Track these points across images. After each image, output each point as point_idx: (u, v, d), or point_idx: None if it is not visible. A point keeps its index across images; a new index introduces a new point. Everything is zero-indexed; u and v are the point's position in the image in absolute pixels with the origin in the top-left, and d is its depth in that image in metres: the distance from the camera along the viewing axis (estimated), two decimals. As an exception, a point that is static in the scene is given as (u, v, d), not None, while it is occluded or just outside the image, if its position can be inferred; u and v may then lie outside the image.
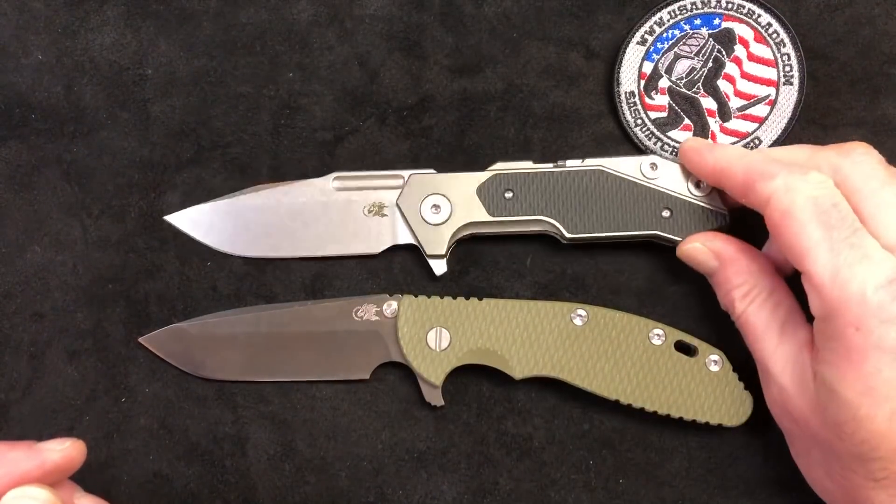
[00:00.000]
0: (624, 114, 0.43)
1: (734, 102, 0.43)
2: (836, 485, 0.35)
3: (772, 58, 0.43)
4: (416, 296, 0.41)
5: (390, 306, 0.41)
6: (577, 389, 0.40)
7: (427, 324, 0.40)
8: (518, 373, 0.40)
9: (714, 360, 0.40)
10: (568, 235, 0.41)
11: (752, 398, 0.40)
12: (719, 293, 0.40)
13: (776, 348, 0.37)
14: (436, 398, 0.41)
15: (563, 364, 0.40)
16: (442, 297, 0.41)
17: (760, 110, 0.43)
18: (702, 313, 0.42)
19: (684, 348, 0.41)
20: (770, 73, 0.43)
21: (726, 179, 0.38)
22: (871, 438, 0.32)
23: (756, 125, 0.42)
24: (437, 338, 0.40)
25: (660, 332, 0.40)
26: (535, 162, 0.42)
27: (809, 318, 0.36)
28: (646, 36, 0.44)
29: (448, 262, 0.42)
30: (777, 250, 0.39)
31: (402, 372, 0.43)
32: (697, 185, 0.41)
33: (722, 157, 0.39)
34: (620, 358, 0.40)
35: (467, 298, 0.41)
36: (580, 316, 0.40)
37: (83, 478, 0.42)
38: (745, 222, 0.41)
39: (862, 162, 0.36)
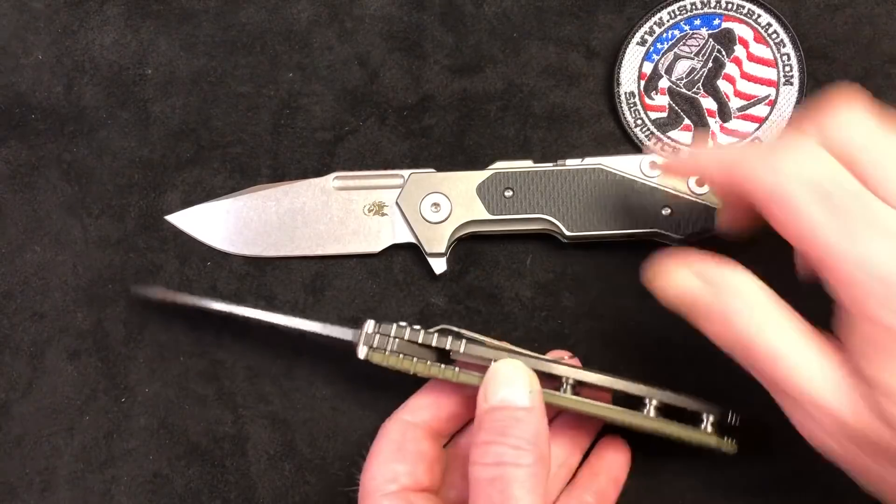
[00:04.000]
0: (624, 114, 0.43)
1: (734, 103, 0.43)
2: None
3: (772, 58, 0.43)
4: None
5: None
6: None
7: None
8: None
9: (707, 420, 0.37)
10: (568, 234, 0.41)
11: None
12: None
13: (797, 367, 0.31)
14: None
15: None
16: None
17: (760, 110, 0.43)
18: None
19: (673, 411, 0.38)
20: (770, 73, 0.43)
21: (710, 184, 0.37)
22: None
23: (756, 125, 0.42)
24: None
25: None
26: (535, 161, 0.42)
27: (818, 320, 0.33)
28: (646, 36, 0.44)
29: (448, 262, 0.42)
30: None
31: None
32: (699, 182, 0.41)
33: (698, 162, 0.36)
34: None
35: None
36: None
37: (83, 477, 0.43)
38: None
39: (851, 121, 0.32)
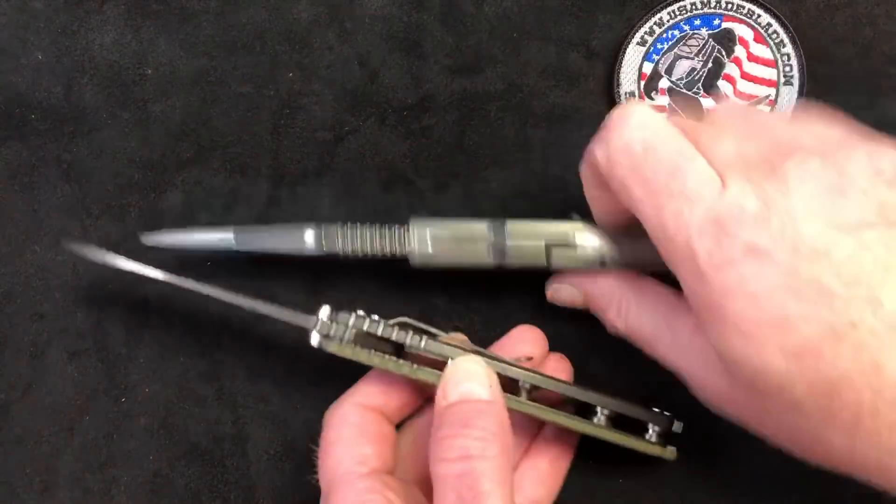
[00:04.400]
0: (624, 114, 0.43)
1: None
2: (816, 450, 0.30)
3: (772, 58, 0.43)
4: None
5: None
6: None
7: None
8: None
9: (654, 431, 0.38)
10: None
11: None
12: (604, 323, 0.38)
13: (672, 344, 0.34)
14: None
15: None
16: None
17: (760, 110, 0.43)
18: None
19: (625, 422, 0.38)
20: (770, 73, 0.43)
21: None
22: (785, 385, 0.28)
23: (756, 125, 0.43)
24: None
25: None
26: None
27: None
28: (646, 36, 0.44)
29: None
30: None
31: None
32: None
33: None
34: None
35: None
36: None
37: (83, 477, 0.43)
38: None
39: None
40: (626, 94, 0.44)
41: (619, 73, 0.44)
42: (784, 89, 0.43)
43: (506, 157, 0.44)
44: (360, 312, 0.37)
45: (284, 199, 0.44)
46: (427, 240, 0.38)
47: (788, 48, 0.43)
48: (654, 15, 0.44)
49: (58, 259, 0.44)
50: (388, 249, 0.39)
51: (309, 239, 0.39)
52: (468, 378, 0.34)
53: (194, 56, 0.46)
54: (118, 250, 0.44)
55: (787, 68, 0.43)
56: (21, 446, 0.43)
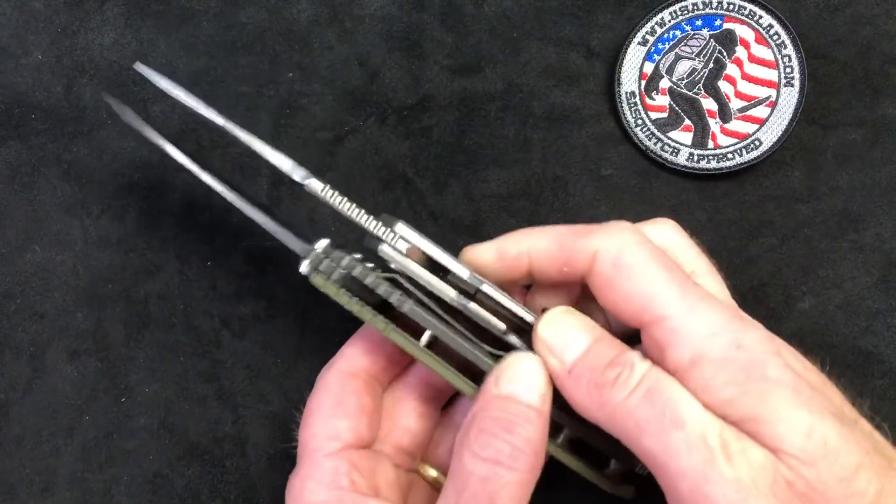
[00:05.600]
0: (625, 114, 0.43)
1: (735, 104, 0.43)
2: None
3: (773, 59, 0.43)
4: None
5: None
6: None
7: None
8: None
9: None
10: None
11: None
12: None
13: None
14: None
15: None
16: None
17: (761, 111, 0.43)
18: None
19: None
20: (771, 74, 0.43)
21: (537, 260, 0.35)
22: None
23: (756, 126, 0.42)
24: None
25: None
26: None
27: None
28: (647, 36, 0.44)
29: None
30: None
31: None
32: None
33: (519, 243, 0.35)
34: None
35: None
36: None
37: (83, 477, 0.43)
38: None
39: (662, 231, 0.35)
40: (626, 93, 0.44)
41: (619, 72, 0.44)
42: (785, 91, 0.43)
43: (506, 157, 0.44)
44: (357, 256, 0.35)
45: (284, 199, 0.44)
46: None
47: (789, 49, 0.43)
48: (655, 15, 0.44)
49: (58, 259, 0.44)
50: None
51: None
52: (526, 378, 0.33)
53: (194, 56, 0.46)
54: (118, 250, 0.44)
55: (788, 69, 0.43)
56: (21, 446, 0.43)
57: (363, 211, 0.35)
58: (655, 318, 0.31)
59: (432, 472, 0.37)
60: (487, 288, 0.34)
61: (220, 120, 0.36)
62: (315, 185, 0.35)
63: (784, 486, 0.28)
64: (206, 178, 0.37)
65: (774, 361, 0.30)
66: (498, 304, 0.35)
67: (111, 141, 0.45)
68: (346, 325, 0.43)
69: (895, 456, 0.30)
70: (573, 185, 0.44)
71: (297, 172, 0.35)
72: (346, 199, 0.35)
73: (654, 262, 0.32)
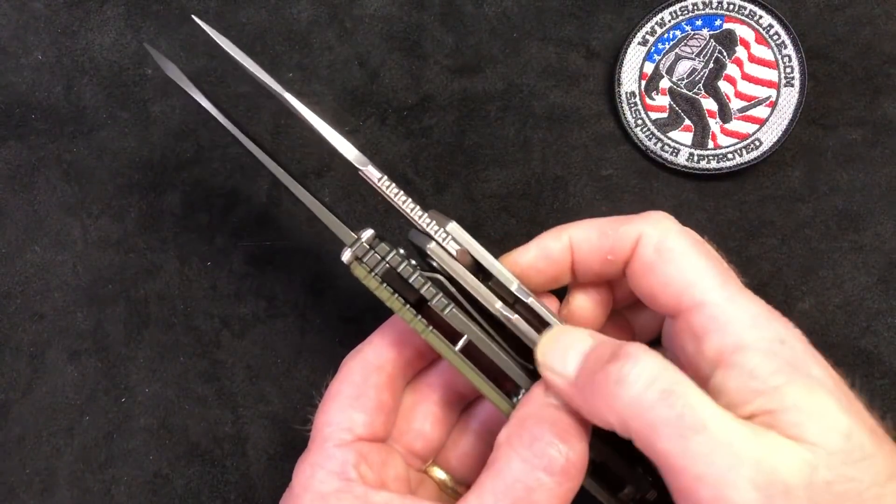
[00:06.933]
0: (625, 114, 0.43)
1: (735, 104, 0.43)
2: None
3: (773, 59, 0.43)
4: None
5: None
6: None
7: None
8: None
9: None
10: None
11: None
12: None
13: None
14: None
15: None
16: None
17: (761, 112, 0.43)
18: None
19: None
20: (771, 74, 0.43)
21: (579, 250, 0.35)
22: None
23: (756, 126, 0.42)
24: None
25: None
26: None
27: None
28: (647, 36, 0.44)
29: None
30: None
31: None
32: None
33: (560, 236, 0.35)
34: None
35: None
36: None
37: (83, 477, 0.43)
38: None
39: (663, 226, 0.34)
40: (626, 93, 0.44)
41: (619, 72, 0.44)
42: (785, 91, 0.43)
43: (506, 157, 0.44)
44: (402, 251, 0.34)
45: (284, 199, 0.44)
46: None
47: (789, 49, 0.43)
48: (655, 15, 0.44)
49: (58, 259, 0.44)
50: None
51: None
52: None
53: (194, 56, 0.46)
54: (118, 250, 0.44)
55: (788, 69, 0.43)
56: (21, 446, 0.43)
57: (418, 206, 0.34)
58: (696, 304, 0.31)
59: (441, 475, 0.37)
60: (533, 302, 0.34)
61: (278, 89, 0.35)
62: (372, 172, 0.34)
63: (822, 486, 0.27)
64: (256, 151, 0.36)
65: (817, 362, 0.30)
66: (540, 319, 0.34)
67: (111, 141, 0.45)
68: (346, 326, 0.43)
69: None
70: (573, 185, 0.44)
71: (357, 158, 0.34)
72: (402, 191, 0.34)
73: (696, 250, 0.32)
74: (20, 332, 0.44)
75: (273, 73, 0.45)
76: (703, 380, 0.31)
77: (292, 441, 0.43)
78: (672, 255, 0.32)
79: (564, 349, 0.32)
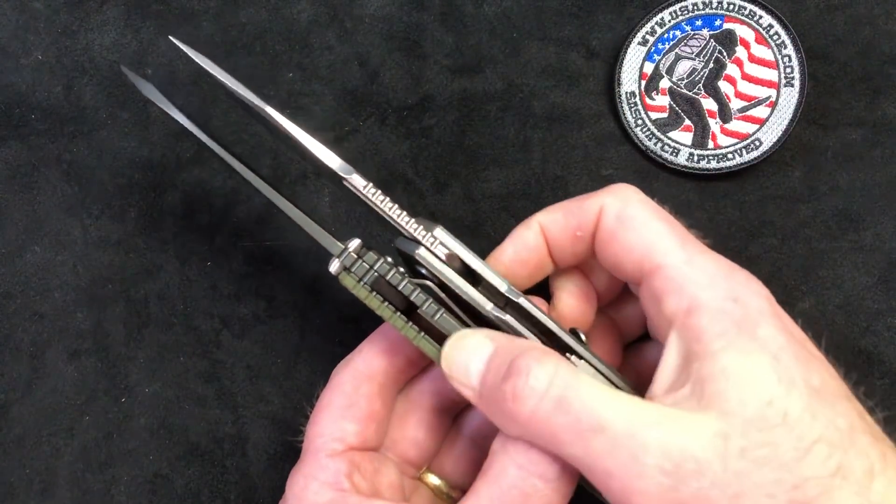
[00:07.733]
0: (625, 114, 0.43)
1: (735, 104, 0.43)
2: None
3: (773, 59, 0.43)
4: None
5: None
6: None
7: None
8: None
9: None
10: None
11: None
12: None
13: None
14: None
15: None
16: None
17: (761, 112, 0.43)
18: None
19: None
20: (771, 74, 0.43)
21: (550, 232, 0.36)
22: None
23: (756, 126, 0.42)
24: None
25: None
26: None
27: None
28: (647, 36, 0.44)
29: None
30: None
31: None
32: None
33: (530, 225, 0.36)
34: None
35: None
36: None
37: (83, 477, 0.43)
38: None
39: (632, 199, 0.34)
40: (626, 93, 0.44)
41: (619, 72, 0.44)
42: (785, 91, 0.43)
43: (506, 157, 0.44)
44: (389, 259, 0.34)
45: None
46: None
47: (789, 49, 0.43)
48: (655, 15, 0.44)
49: (58, 259, 0.44)
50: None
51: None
52: None
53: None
54: (118, 250, 0.44)
55: (788, 69, 0.43)
56: (21, 446, 0.43)
57: (404, 212, 0.34)
58: (655, 267, 0.31)
59: (435, 481, 0.37)
60: (524, 302, 0.34)
61: (260, 104, 0.35)
62: (357, 180, 0.34)
63: (736, 453, 0.27)
64: (237, 165, 0.36)
65: (768, 322, 0.30)
66: (532, 318, 0.34)
67: (111, 141, 0.45)
68: (346, 326, 0.43)
69: (884, 438, 0.29)
70: (573, 185, 0.44)
71: (341, 167, 0.35)
72: (388, 198, 0.34)
73: (656, 216, 0.33)
74: (20, 332, 0.44)
75: (273, 73, 0.45)
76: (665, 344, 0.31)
77: (292, 441, 0.43)
78: (633, 222, 0.33)
79: (467, 359, 0.32)
